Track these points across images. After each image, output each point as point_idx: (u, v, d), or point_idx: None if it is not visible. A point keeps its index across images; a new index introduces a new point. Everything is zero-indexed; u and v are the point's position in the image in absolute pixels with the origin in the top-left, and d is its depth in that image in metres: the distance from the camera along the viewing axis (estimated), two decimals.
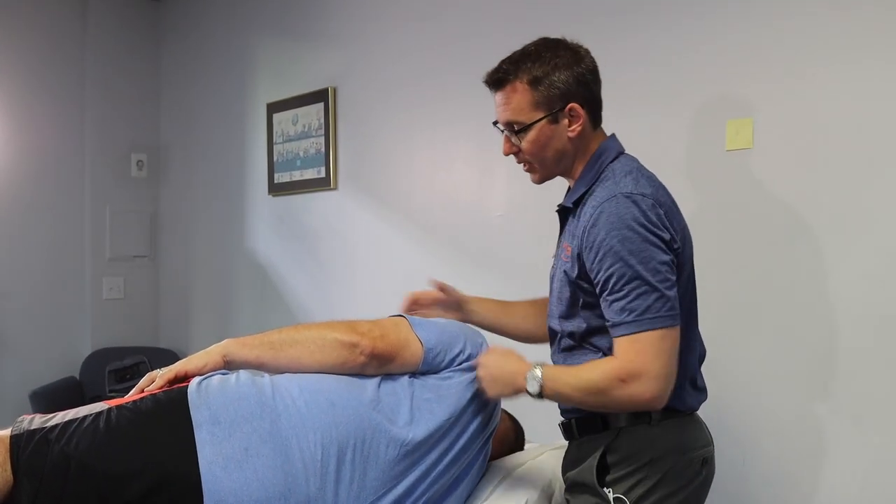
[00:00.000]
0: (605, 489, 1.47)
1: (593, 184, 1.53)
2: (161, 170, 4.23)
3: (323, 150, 3.31)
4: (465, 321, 1.82)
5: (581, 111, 1.54)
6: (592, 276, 1.46)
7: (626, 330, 1.40)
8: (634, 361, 1.39)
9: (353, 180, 3.24)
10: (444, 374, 1.60)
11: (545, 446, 1.88)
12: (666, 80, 2.26)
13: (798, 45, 2.01)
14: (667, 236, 1.43)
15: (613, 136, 1.62)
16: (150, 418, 1.39)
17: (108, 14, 4.04)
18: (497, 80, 1.57)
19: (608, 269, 1.41)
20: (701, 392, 1.60)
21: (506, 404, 1.73)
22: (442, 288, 1.84)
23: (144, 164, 4.18)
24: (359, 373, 1.54)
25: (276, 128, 3.55)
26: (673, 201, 1.53)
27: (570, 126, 1.54)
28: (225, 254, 3.87)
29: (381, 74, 3.09)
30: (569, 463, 1.59)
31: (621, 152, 1.59)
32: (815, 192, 1.99)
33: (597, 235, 1.43)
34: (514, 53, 1.58)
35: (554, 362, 1.62)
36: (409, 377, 1.58)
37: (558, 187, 1.68)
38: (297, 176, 3.46)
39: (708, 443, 1.56)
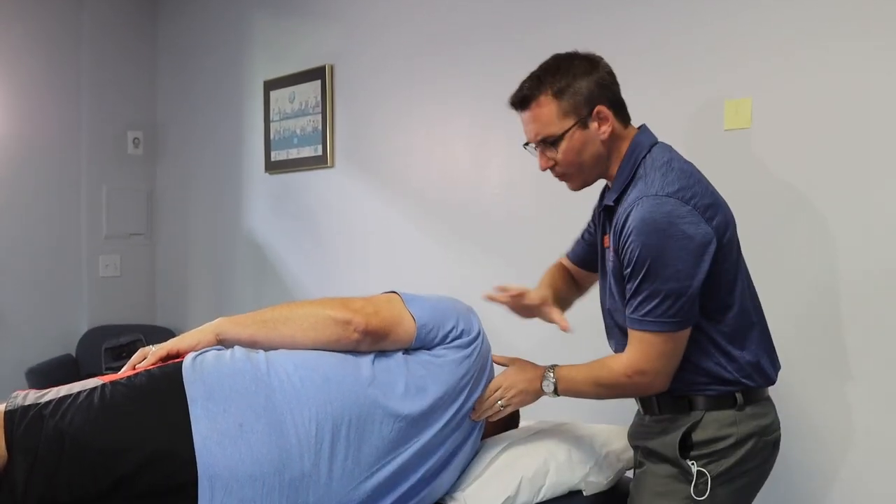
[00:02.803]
0: (688, 461, 1.54)
1: (629, 181, 1.58)
2: (158, 147, 4.21)
3: (320, 127, 3.29)
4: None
5: (608, 112, 1.58)
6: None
7: (635, 325, 1.52)
8: (639, 360, 1.53)
9: (351, 158, 3.22)
10: (437, 350, 1.61)
11: (540, 423, 1.88)
12: (664, 59, 2.24)
13: (797, 25, 2.00)
14: (693, 231, 1.46)
15: (644, 127, 1.65)
16: (144, 394, 1.39)
17: None
18: (522, 98, 1.61)
19: (628, 267, 1.51)
20: (776, 367, 1.65)
21: None
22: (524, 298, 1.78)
23: (141, 141, 4.16)
24: (353, 350, 1.54)
25: (273, 105, 3.52)
26: (708, 187, 1.56)
27: (600, 129, 1.59)
28: (221, 232, 3.86)
29: (379, 52, 3.07)
30: (645, 433, 1.66)
31: (654, 143, 1.62)
32: (814, 171, 1.99)
33: (625, 237, 1.50)
34: (533, 72, 1.62)
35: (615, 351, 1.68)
36: (403, 353, 1.58)
37: None
38: (294, 154, 3.44)
39: (780, 425, 1.64)
